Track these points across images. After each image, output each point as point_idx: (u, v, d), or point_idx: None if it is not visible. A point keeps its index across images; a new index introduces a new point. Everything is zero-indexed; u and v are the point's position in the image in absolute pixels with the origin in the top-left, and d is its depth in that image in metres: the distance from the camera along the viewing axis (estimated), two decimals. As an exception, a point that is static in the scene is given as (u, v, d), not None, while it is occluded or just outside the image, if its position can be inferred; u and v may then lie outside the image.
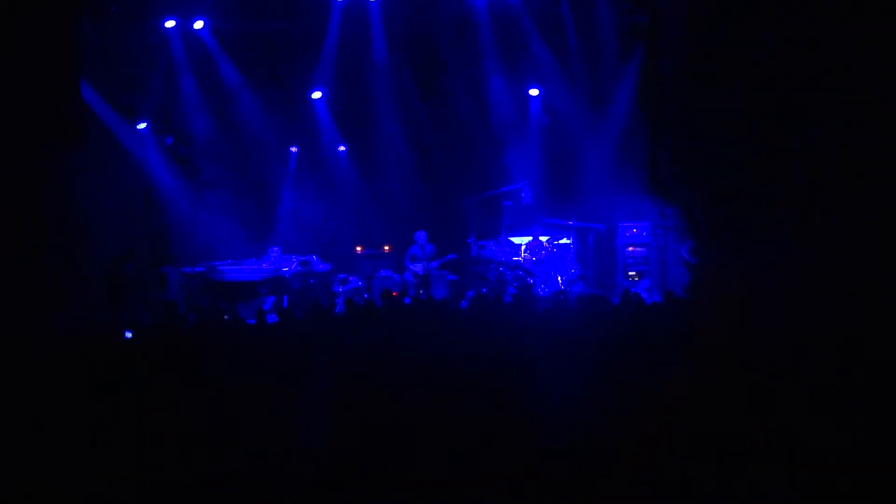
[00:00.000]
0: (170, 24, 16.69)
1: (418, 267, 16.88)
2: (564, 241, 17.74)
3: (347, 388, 5.84)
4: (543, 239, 17.61)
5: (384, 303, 11.62)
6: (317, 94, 18.10)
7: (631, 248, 18.12)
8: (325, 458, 4.88)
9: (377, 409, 5.45)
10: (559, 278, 17.22)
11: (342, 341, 7.95)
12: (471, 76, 18.13)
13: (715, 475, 4.05)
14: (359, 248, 18.20)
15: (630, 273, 18.06)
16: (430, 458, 4.93)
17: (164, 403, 5.52)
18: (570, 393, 5.85)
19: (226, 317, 13.96)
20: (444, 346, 7.35)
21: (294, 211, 18.32)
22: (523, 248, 17.62)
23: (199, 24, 16.81)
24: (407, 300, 14.11)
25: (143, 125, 17.13)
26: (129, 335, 10.62)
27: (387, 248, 18.19)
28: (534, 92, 18.45)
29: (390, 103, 18.23)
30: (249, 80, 17.58)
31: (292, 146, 18.34)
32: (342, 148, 18.59)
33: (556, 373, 6.05)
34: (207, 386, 6.22)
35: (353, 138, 18.50)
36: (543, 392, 5.69)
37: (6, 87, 12.11)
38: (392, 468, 4.83)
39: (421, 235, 17.06)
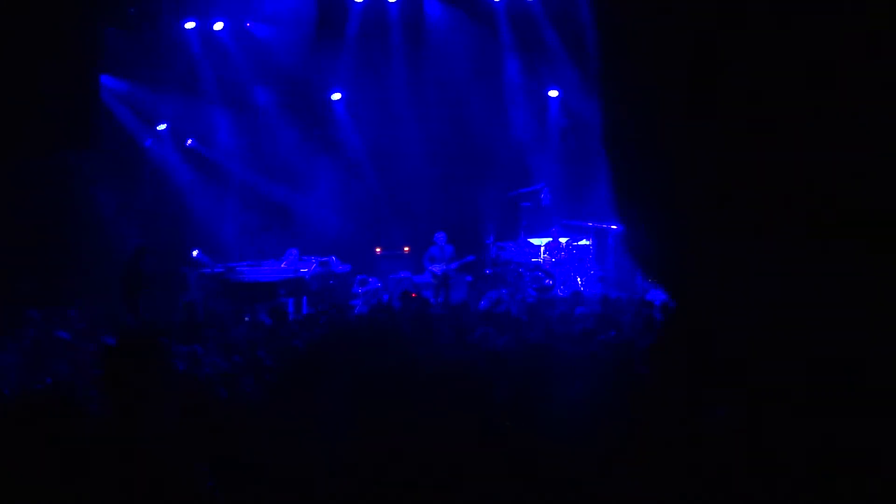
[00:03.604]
0: (189, 25, 16.75)
1: (437, 268, 16.87)
2: (584, 242, 17.68)
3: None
4: (563, 240, 17.55)
5: (404, 305, 11.61)
6: (336, 96, 18.11)
7: (651, 250, 18.01)
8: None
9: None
10: (578, 280, 17.15)
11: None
12: (490, 77, 18.09)
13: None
14: (378, 249, 18.21)
15: (650, 275, 17.96)
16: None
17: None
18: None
19: (246, 318, 13.97)
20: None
21: (313, 212, 18.30)
22: (542, 249, 17.57)
23: (218, 26, 16.87)
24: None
25: (162, 126, 17.20)
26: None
27: (406, 249, 18.18)
28: (553, 93, 18.40)
29: (410, 104, 18.21)
30: (269, 82, 17.61)
31: (310, 147, 18.30)
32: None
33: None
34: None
35: (372, 139, 18.48)
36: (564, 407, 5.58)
37: (24, 89, 12.21)
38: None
39: (440, 237, 17.04)
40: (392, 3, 17.28)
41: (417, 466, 4.53)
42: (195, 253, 16.39)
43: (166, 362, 3.59)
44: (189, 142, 17.62)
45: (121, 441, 3.40)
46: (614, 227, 17.67)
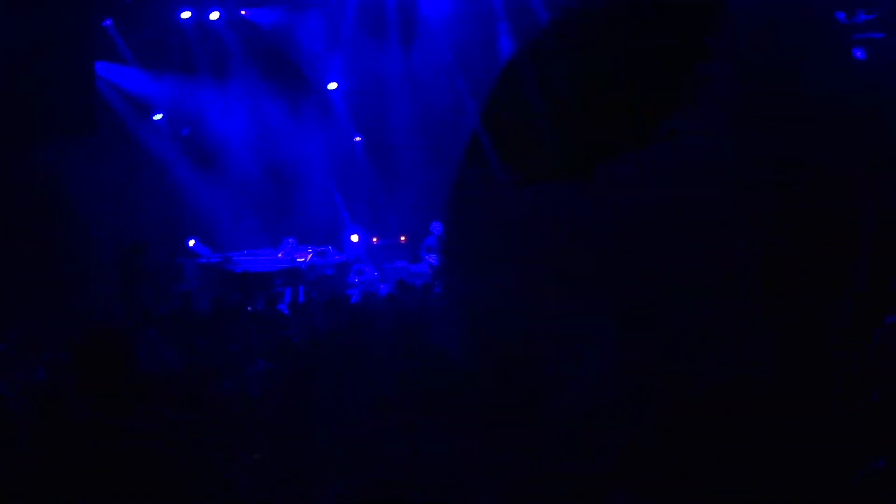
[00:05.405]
0: (185, 14, 16.67)
1: (434, 258, 16.83)
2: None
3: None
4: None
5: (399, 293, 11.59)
6: (332, 85, 18.05)
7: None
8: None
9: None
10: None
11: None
12: (487, 68, 17.96)
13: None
14: (375, 239, 18.17)
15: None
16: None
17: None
18: None
19: (249, 308, 13.91)
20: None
21: (308, 201, 18.24)
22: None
23: (214, 15, 16.80)
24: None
25: (158, 116, 17.14)
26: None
27: (403, 238, 18.14)
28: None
29: (406, 93, 18.14)
30: (265, 71, 17.56)
31: (307, 136, 18.24)
32: (358, 139, 18.46)
33: None
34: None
35: (368, 128, 18.42)
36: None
37: (20, 78, 12.16)
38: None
39: (437, 226, 17.00)
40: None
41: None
42: (191, 243, 16.35)
43: (135, 358, 3.47)
44: (184, 131, 17.56)
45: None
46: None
